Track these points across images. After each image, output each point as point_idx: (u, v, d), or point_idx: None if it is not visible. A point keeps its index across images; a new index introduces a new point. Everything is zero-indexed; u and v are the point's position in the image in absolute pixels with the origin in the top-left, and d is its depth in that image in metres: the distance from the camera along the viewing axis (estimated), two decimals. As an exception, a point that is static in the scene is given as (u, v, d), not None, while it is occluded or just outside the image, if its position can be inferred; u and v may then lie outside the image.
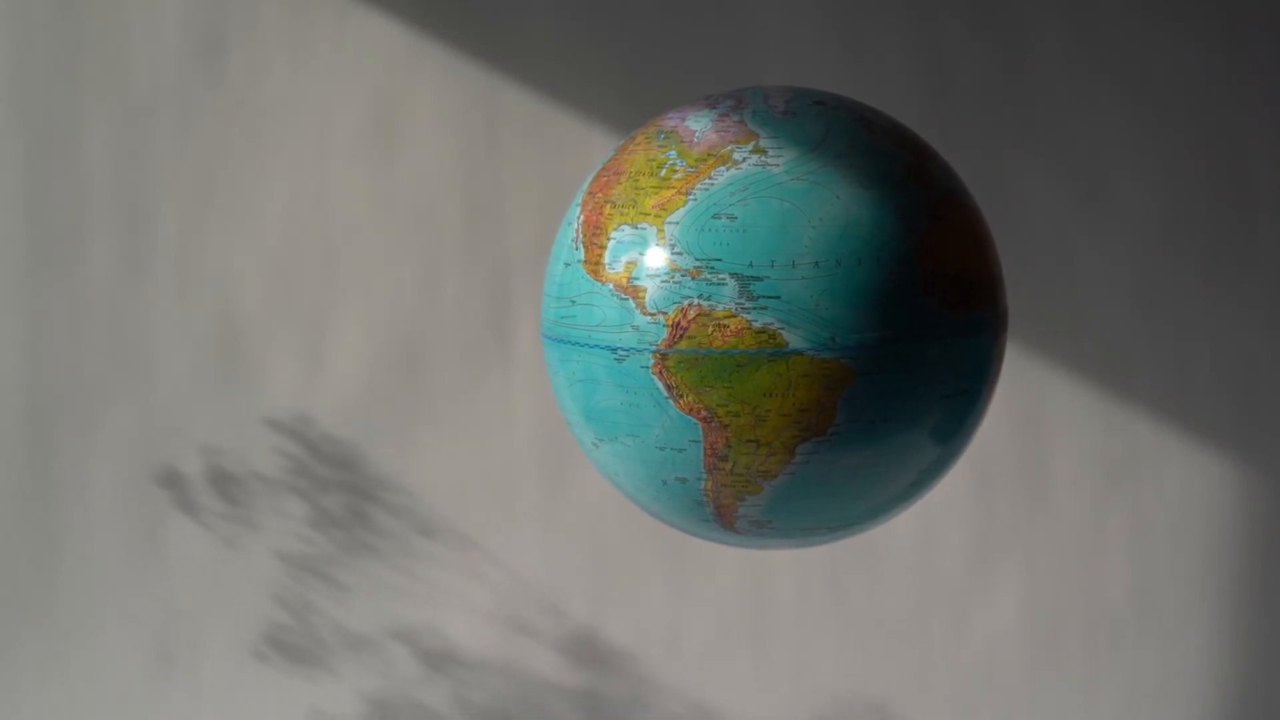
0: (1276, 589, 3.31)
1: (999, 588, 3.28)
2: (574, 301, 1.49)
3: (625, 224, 1.46)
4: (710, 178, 1.43)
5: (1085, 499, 3.27)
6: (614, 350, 1.45)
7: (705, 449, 1.43)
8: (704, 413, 1.41)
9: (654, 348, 1.42)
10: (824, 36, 3.15)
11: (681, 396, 1.42)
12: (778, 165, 1.42)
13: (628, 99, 3.11)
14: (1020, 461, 3.25)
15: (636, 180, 1.48)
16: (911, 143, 1.52)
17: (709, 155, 1.45)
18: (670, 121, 1.53)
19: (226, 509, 3.12)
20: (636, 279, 1.43)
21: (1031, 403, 3.23)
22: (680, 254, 1.41)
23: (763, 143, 1.44)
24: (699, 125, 1.49)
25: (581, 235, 1.51)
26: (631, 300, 1.43)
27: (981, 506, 3.25)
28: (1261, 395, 3.27)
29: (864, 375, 1.39)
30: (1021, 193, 3.19)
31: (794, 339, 1.38)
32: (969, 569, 3.26)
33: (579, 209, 1.54)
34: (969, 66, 3.18)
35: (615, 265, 1.45)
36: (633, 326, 1.43)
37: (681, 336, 1.40)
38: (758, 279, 1.38)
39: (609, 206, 1.49)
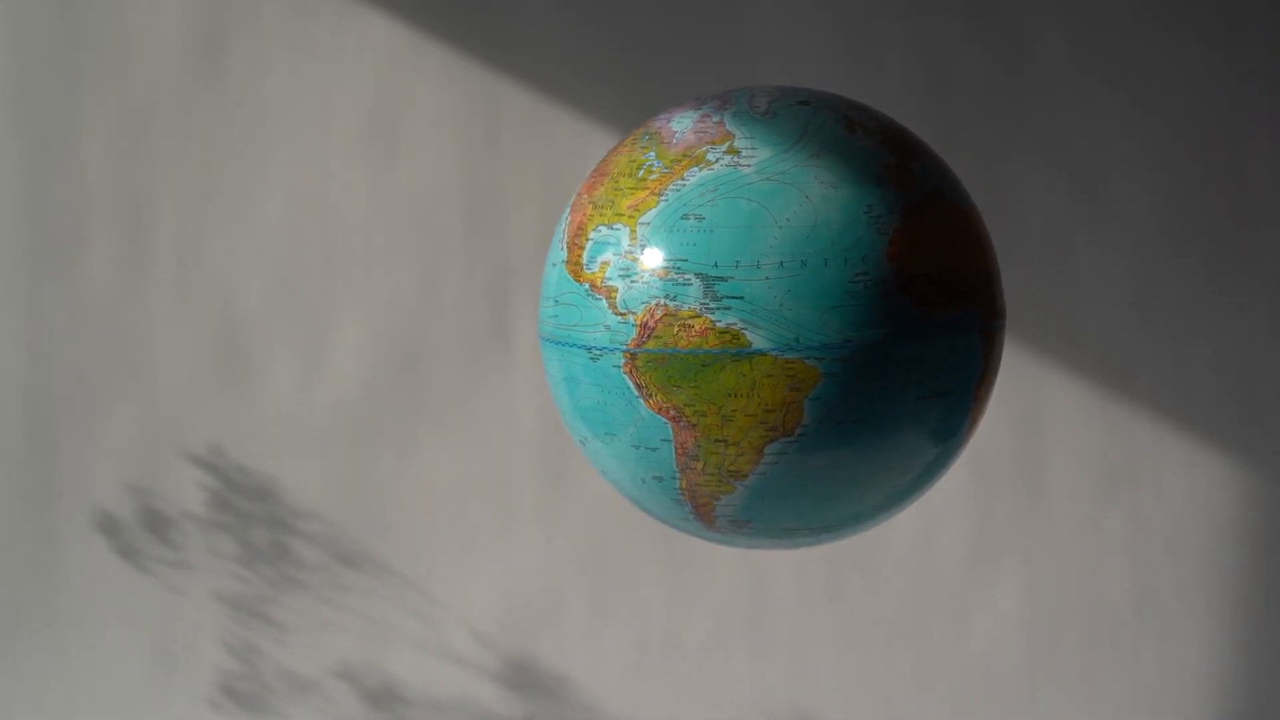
0: (1276, 589, 3.30)
1: (999, 588, 3.27)
2: (558, 301, 1.50)
3: (602, 224, 1.46)
4: (683, 178, 1.43)
5: (1085, 499, 3.26)
6: (589, 349, 1.45)
7: (676, 448, 1.43)
8: (672, 412, 1.41)
9: (624, 347, 1.42)
10: (824, 36, 3.15)
11: (651, 396, 1.42)
12: (749, 166, 1.42)
13: (628, 99, 3.11)
14: (1019, 462, 3.24)
15: (617, 181, 1.48)
16: (897, 142, 1.51)
17: (684, 156, 1.45)
18: (658, 122, 1.54)
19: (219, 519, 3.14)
20: (609, 279, 1.44)
21: (1031, 403, 3.23)
22: (649, 254, 1.41)
23: (737, 143, 1.44)
24: (680, 126, 1.49)
25: (566, 236, 1.52)
26: (604, 300, 1.44)
27: (981, 507, 3.25)
28: (1261, 396, 3.26)
29: (830, 376, 1.39)
30: (1021, 193, 3.19)
31: (757, 339, 1.38)
32: (968, 569, 3.26)
33: (569, 210, 1.55)
34: (969, 66, 3.18)
35: (592, 265, 1.46)
36: (605, 326, 1.44)
37: (649, 336, 1.40)
38: (722, 279, 1.38)
39: (590, 207, 1.50)
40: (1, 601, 3.10)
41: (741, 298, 1.38)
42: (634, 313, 1.41)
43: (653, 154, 1.48)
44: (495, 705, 3.20)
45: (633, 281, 1.42)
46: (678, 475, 1.46)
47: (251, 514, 3.14)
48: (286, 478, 3.14)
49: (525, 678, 3.21)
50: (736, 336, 1.38)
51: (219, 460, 3.12)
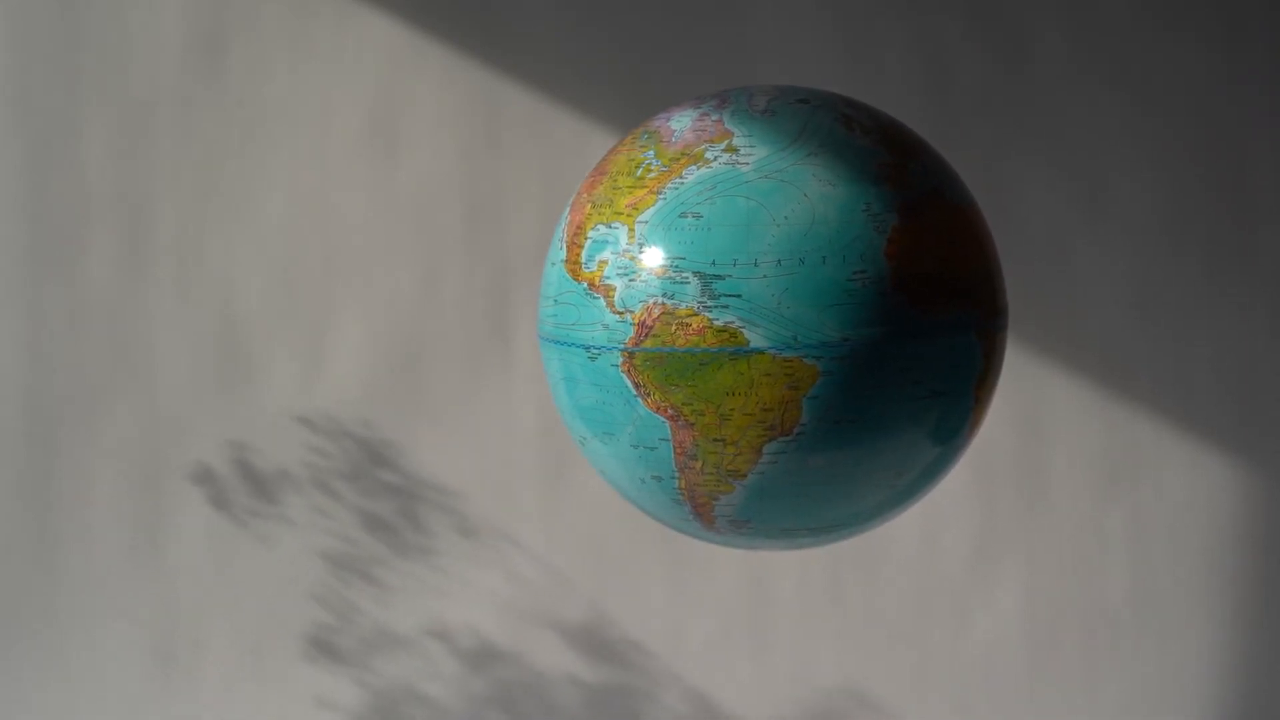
0: (1276, 589, 3.30)
1: (999, 588, 3.27)
2: (557, 300, 1.50)
3: (601, 223, 1.46)
4: (681, 176, 1.42)
5: (1085, 499, 3.26)
6: (587, 349, 1.45)
7: (675, 447, 1.43)
8: (670, 411, 1.41)
9: (622, 346, 1.42)
10: (824, 36, 3.14)
11: (649, 395, 1.41)
12: (747, 164, 1.41)
13: (628, 99, 3.11)
14: (1020, 461, 3.24)
15: (615, 180, 1.48)
16: (895, 141, 1.50)
17: (683, 154, 1.44)
18: (657, 122, 1.53)
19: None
20: (607, 278, 1.43)
21: (1031, 403, 3.22)
22: (647, 252, 1.41)
23: (736, 141, 1.43)
24: (679, 125, 1.49)
25: (565, 235, 1.52)
26: (602, 299, 1.43)
27: (981, 506, 3.25)
28: (1261, 396, 3.26)
29: (828, 375, 1.38)
30: (1021, 193, 3.19)
31: (755, 338, 1.37)
32: (969, 569, 3.26)
33: (569, 209, 1.55)
34: (969, 66, 3.18)
35: (590, 264, 1.45)
36: (603, 325, 1.43)
37: (647, 335, 1.40)
38: (720, 277, 1.38)
39: (590, 206, 1.49)
40: (1, 601, 3.10)
41: (739, 296, 1.37)
42: (632, 311, 1.41)
43: (651, 153, 1.47)
44: (497, 700, 3.20)
45: (631, 280, 1.41)
46: (677, 475, 1.45)
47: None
48: (291, 476, 3.14)
49: (524, 677, 3.21)
50: (734, 335, 1.37)
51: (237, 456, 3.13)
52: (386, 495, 3.15)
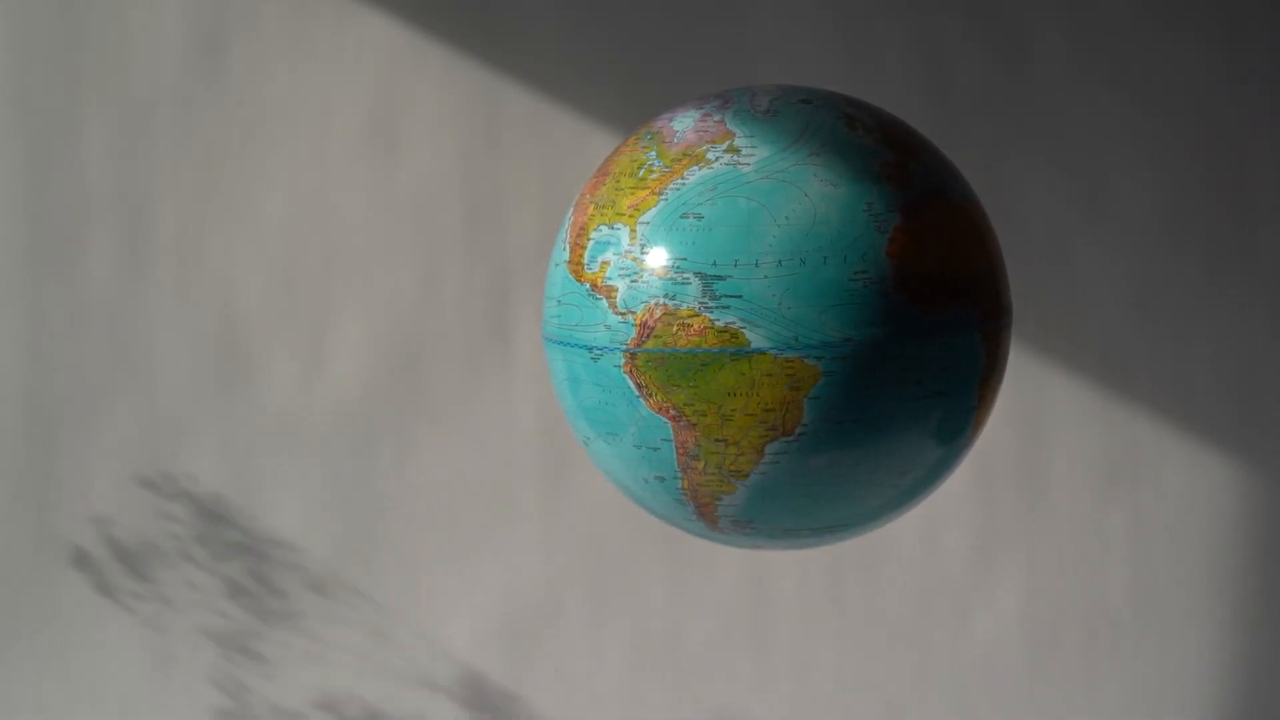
0: (1277, 589, 3.30)
1: (999, 588, 3.27)
2: (560, 301, 1.50)
3: (603, 224, 1.46)
4: (683, 177, 1.43)
5: (1085, 499, 3.26)
6: (590, 349, 1.45)
7: (677, 448, 1.43)
8: (672, 411, 1.41)
9: (624, 347, 1.42)
10: (824, 36, 3.15)
11: (651, 395, 1.42)
12: (749, 164, 1.42)
13: (628, 99, 3.11)
14: (1020, 461, 3.24)
15: (618, 181, 1.48)
16: (899, 140, 1.50)
17: (684, 155, 1.45)
18: (660, 122, 1.54)
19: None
20: (610, 279, 1.44)
21: (1031, 403, 3.23)
22: (649, 253, 1.41)
23: (737, 142, 1.44)
24: (681, 125, 1.49)
25: (569, 236, 1.52)
26: (604, 300, 1.44)
27: (982, 507, 3.25)
28: (1261, 396, 3.26)
29: (829, 375, 1.38)
30: (1021, 193, 3.19)
31: (756, 338, 1.37)
32: (969, 569, 3.26)
33: (572, 210, 1.56)
34: (969, 66, 3.18)
35: (592, 265, 1.46)
36: (605, 326, 1.43)
37: (649, 336, 1.40)
38: (721, 278, 1.38)
39: (592, 207, 1.50)
40: (1, 601, 3.10)
41: (740, 296, 1.37)
42: (634, 312, 1.41)
43: (654, 153, 1.47)
44: (494, 705, 3.21)
45: (633, 281, 1.42)
46: (679, 475, 1.45)
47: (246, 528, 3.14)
48: (287, 478, 3.14)
49: (523, 678, 3.21)
50: (735, 335, 1.37)
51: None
52: (370, 511, 3.15)
